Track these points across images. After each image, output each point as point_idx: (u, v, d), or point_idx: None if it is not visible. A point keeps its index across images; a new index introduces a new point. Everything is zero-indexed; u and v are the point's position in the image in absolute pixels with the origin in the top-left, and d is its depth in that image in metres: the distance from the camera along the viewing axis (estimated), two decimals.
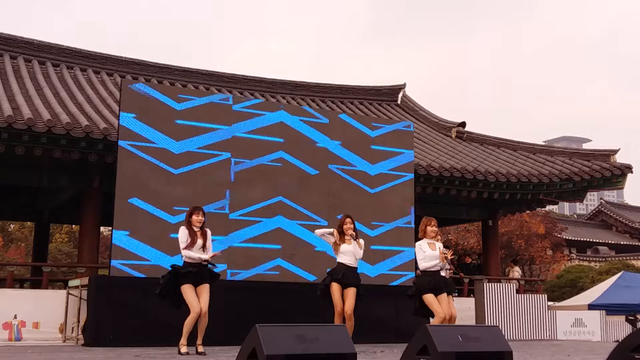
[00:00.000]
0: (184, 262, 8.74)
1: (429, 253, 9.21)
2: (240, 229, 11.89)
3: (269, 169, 12.40)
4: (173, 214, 11.35)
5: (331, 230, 9.73)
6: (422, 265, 9.24)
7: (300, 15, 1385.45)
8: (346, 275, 9.47)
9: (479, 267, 19.04)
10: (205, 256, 8.67)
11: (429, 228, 9.33)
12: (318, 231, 9.90)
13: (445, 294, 9.37)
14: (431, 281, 9.15)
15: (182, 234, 8.73)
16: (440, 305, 9.11)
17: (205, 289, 8.69)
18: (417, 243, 9.41)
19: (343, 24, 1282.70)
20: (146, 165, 11.31)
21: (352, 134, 13.51)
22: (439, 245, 9.42)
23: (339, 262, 9.60)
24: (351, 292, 9.49)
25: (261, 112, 12.60)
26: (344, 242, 9.57)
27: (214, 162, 11.90)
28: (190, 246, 8.65)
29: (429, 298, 9.12)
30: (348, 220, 9.60)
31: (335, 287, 9.47)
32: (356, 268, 9.67)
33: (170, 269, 8.84)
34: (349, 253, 9.53)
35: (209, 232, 8.94)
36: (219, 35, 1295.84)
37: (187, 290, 8.57)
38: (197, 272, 8.61)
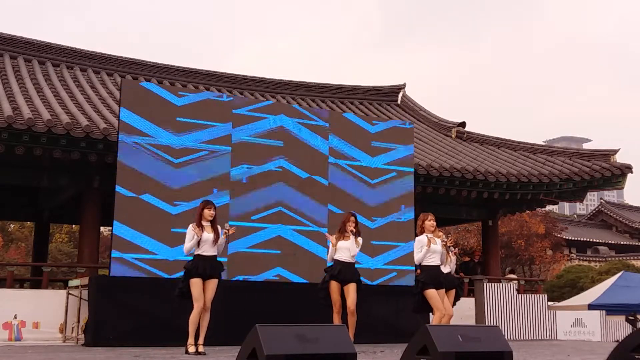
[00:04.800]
0: (194, 256, 8.75)
1: (431, 247, 9.26)
2: (240, 238, 11.83)
3: (269, 174, 12.41)
4: (174, 205, 11.40)
5: (332, 249, 9.68)
6: (420, 260, 9.27)
7: (308, 18, 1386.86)
8: (343, 271, 9.48)
9: (480, 265, 18.91)
10: (195, 240, 8.63)
11: (427, 223, 9.40)
12: (329, 257, 9.81)
13: (443, 291, 9.44)
14: (432, 276, 9.21)
15: (189, 233, 8.73)
16: (437, 301, 9.17)
17: (212, 283, 8.71)
18: (417, 238, 9.43)
19: (351, 28, 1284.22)
20: (146, 159, 11.35)
21: (352, 129, 13.55)
22: (439, 240, 9.46)
23: (335, 259, 9.60)
24: (352, 288, 9.49)
25: (262, 114, 12.59)
26: (342, 238, 9.58)
27: (215, 154, 11.93)
28: (198, 240, 8.65)
29: (430, 293, 9.17)
30: (352, 218, 9.65)
31: (333, 285, 9.48)
32: (353, 264, 9.64)
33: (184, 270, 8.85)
34: (345, 250, 9.53)
35: (219, 228, 8.90)
36: (226, 36, 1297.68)
37: (194, 284, 8.59)
38: (206, 266, 8.63)
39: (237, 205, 11.96)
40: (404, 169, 13.92)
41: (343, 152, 13.27)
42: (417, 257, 9.31)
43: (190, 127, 11.82)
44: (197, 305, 8.53)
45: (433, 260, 9.28)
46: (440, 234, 10.02)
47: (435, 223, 9.47)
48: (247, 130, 12.34)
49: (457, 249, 9.87)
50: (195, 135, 11.84)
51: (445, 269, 10.15)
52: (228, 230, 8.76)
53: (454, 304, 10.55)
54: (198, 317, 8.54)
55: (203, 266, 8.62)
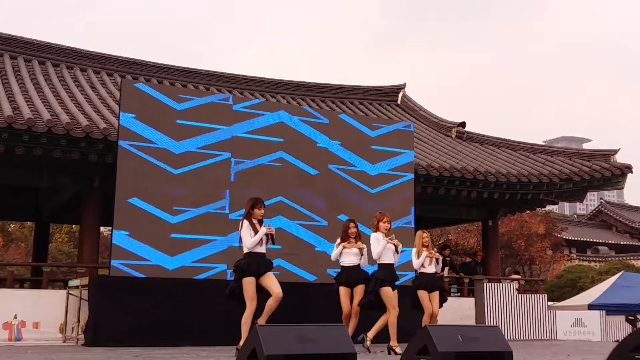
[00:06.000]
0: (246, 254, 8.54)
1: (387, 245, 9.51)
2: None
3: (269, 169, 12.41)
4: (173, 214, 11.36)
5: (339, 248, 9.75)
6: (379, 253, 9.52)
7: (308, 18, 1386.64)
8: (350, 275, 9.66)
9: (482, 266, 18.89)
10: (265, 230, 8.49)
11: (381, 224, 9.69)
12: (334, 256, 9.91)
13: (392, 289, 9.50)
14: (389, 274, 9.50)
15: (246, 229, 8.53)
16: (393, 300, 9.44)
17: (270, 276, 8.50)
18: (373, 234, 9.66)
19: (351, 28, 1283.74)
20: (146, 165, 11.32)
21: (352, 134, 13.54)
22: (394, 241, 9.64)
23: (341, 265, 9.78)
24: (359, 290, 9.66)
25: (261, 112, 12.63)
26: (347, 245, 9.66)
27: (214, 161, 11.91)
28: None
29: (385, 292, 9.42)
30: (352, 224, 9.78)
31: (342, 291, 9.68)
32: (358, 266, 9.77)
33: (234, 268, 8.69)
34: (351, 254, 9.70)
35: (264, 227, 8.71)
36: (226, 36, 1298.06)
37: (248, 283, 8.41)
38: (260, 264, 8.49)
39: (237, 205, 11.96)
40: (403, 174, 13.95)
41: (343, 158, 13.29)
42: (375, 252, 9.54)
43: (191, 131, 11.80)
44: (251, 305, 8.37)
45: (387, 258, 9.54)
46: (425, 235, 10.23)
47: (389, 225, 9.73)
48: (246, 126, 12.36)
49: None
50: (196, 140, 11.84)
51: (431, 269, 10.24)
52: (271, 230, 8.59)
53: (440, 306, 10.58)
54: (251, 318, 8.35)
55: (257, 264, 8.45)
